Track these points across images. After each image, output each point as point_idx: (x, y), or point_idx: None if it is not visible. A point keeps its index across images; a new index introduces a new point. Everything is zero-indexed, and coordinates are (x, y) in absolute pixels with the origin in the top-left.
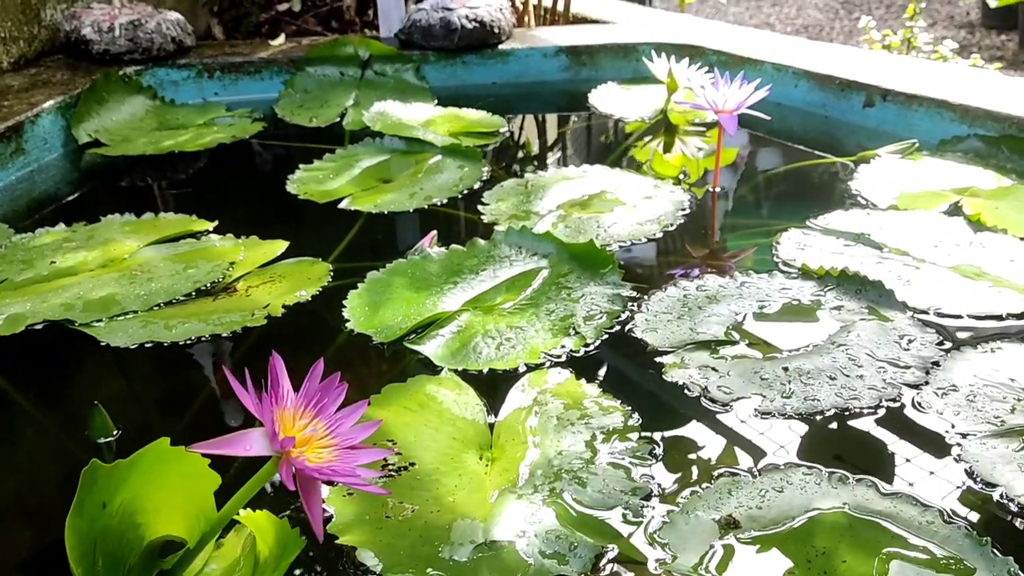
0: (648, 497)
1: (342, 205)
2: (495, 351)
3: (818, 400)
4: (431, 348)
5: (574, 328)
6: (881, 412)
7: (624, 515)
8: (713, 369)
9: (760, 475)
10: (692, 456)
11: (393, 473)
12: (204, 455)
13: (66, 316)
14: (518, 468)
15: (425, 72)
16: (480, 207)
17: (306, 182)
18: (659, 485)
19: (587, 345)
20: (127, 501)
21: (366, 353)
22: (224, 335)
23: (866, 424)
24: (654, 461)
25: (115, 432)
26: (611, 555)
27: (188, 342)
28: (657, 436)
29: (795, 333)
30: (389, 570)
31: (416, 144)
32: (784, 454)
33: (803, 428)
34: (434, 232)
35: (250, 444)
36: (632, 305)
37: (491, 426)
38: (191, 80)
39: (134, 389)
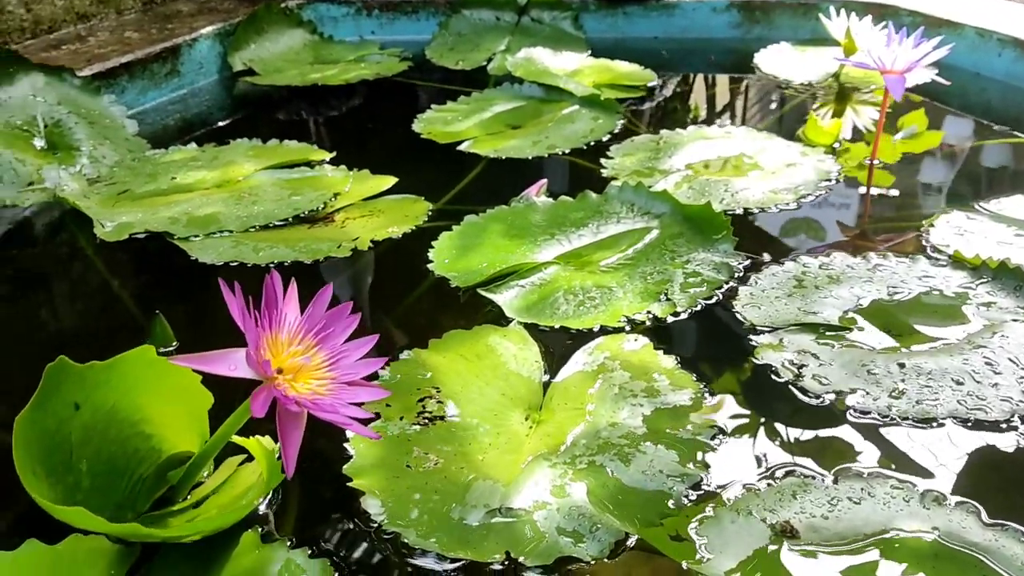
0: (697, 486)
1: (462, 147)
2: (573, 309)
3: (934, 405)
4: (506, 298)
5: (666, 294)
6: (1008, 430)
7: (663, 502)
8: (814, 355)
9: (838, 481)
10: (761, 448)
11: (427, 421)
12: (196, 372)
13: (167, 229)
14: (562, 434)
15: (583, 21)
16: (604, 160)
17: (433, 122)
18: (713, 475)
19: (676, 314)
20: (119, 406)
21: (447, 296)
22: (306, 262)
23: (986, 440)
24: (715, 448)
25: (174, 343)
26: (633, 543)
27: (270, 265)
28: (726, 421)
29: (925, 327)
30: (391, 522)
31: (555, 93)
32: (872, 461)
33: (905, 435)
34: (544, 181)
35: (235, 364)
36: (739, 276)
37: (546, 386)
38: (349, 17)
39: (205, 305)
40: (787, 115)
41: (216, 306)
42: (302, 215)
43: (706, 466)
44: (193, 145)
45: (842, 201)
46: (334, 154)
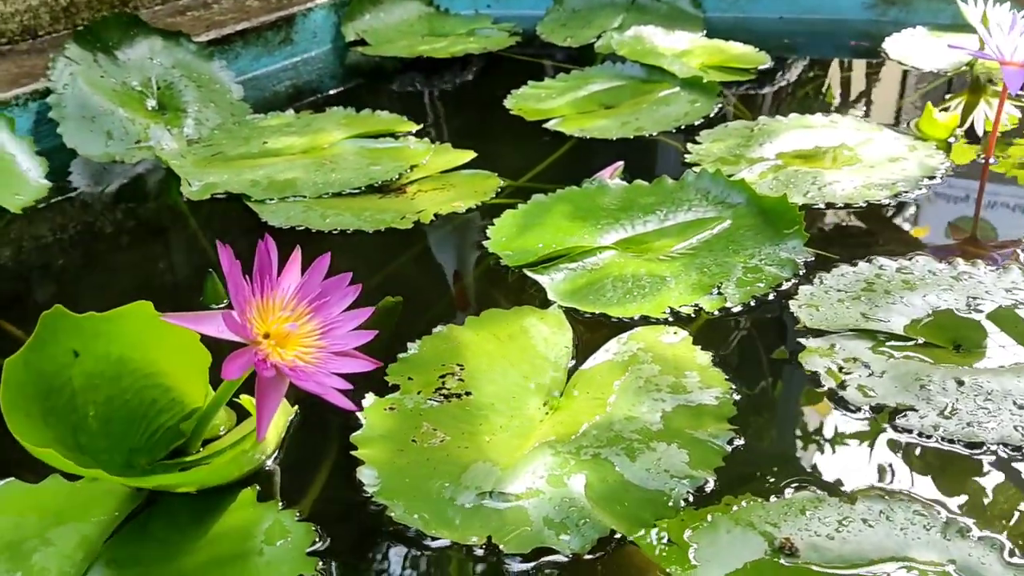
0: (700, 490)
1: (549, 125)
2: (619, 296)
3: (986, 428)
4: (552, 280)
5: (718, 288)
6: None
7: (662, 502)
8: (865, 364)
9: (855, 501)
10: (781, 458)
11: (444, 398)
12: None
13: (246, 191)
14: (576, 423)
15: (703, 0)
16: (690, 145)
17: (526, 99)
18: (721, 481)
19: (725, 309)
20: (129, 357)
21: (498, 275)
22: (367, 232)
23: None
24: (730, 453)
25: (224, 301)
26: (617, 542)
27: (333, 232)
28: (749, 426)
29: (998, 344)
30: (381, 493)
31: (656, 73)
32: (900, 483)
33: (946, 458)
34: (620, 163)
35: (222, 326)
36: (804, 275)
37: (572, 372)
38: None
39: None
40: (906, 106)
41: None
42: (375, 185)
43: (716, 471)
44: (291, 111)
45: (944, 202)
46: (420, 126)
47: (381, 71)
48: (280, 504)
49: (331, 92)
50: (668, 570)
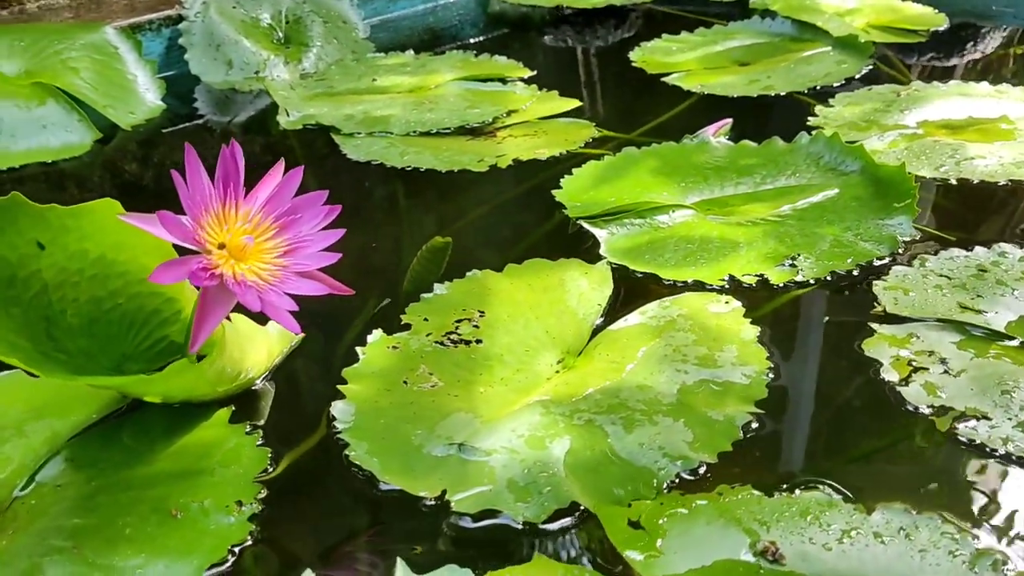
0: (693, 473)
1: (669, 79)
2: (677, 258)
3: None
4: (609, 234)
5: (792, 259)
6: None
7: (645, 481)
8: (942, 360)
9: (872, 511)
10: (801, 452)
11: (452, 343)
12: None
13: (337, 124)
14: (583, 385)
15: None
16: (819, 108)
17: (654, 51)
18: (720, 468)
19: (794, 283)
20: (115, 259)
21: (561, 224)
22: (440, 171)
23: None
24: (743, 438)
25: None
26: (577, 518)
27: (407, 169)
28: (776, 411)
29: None
30: (349, 431)
31: (808, 31)
32: (935, 499)
33: (1004, 478)
34: (728, 121)
35: (175, 230)
36: (903, 253)
37: (597, 332)
38: None
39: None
40: None
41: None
42: (467, 127)
43: (720, 456)
44: (411, 52)
45: None
46: (533, 72)
47: (527, 21)
48: (247, 428)
49: (470, 40)
50: (626, 554)
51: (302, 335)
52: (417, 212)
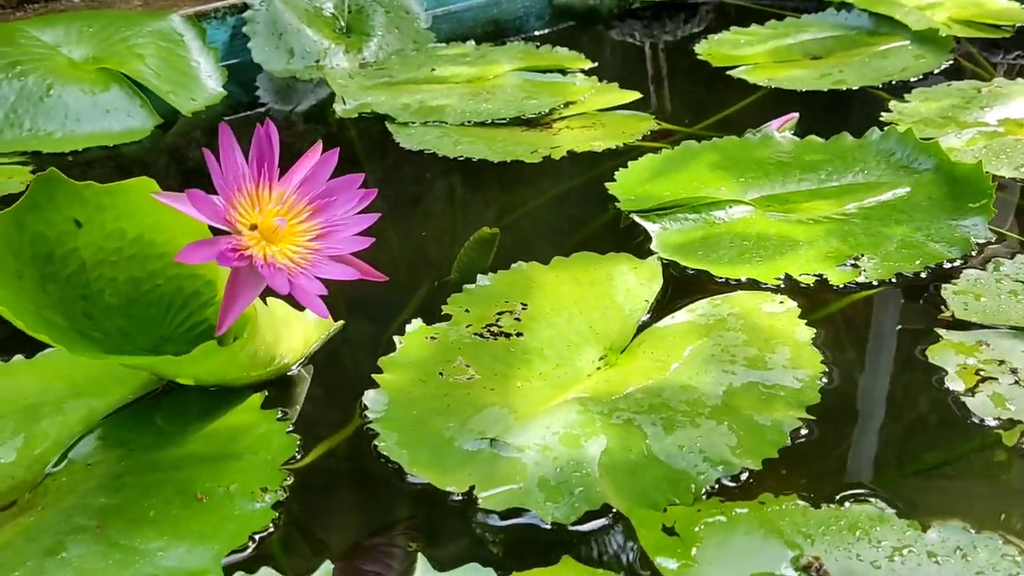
0: (735, 480)
1: (735, 72)
2: (731, 255)
3: None
4: (662, 229)
5: (855, 259)
6: None
7: (684, 485)
8: (1012, 370)
9: (927, 528)
10: (855, 463)
11: (492, 335)
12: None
13: (393, 113)
14: (624, 384)
15: None
16: (893, 103)
17: (721, 44)
18: (765, 474)
19: (855, 284)
20: (152, 239)
21: (613, 218)
22: (492, 161)
23: None
24: (791, 444)
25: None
26: (609, 521)
27: (460, 159)
28: (830, 419)
29: None
30: (380, 421)
31: (886, 24)
32: (999, 518)
33: None
34: (794, 115)
35: (205, 209)
36: (975, 256)
37: (643, 328)
38: None
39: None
40: None
41: (386, 187)
42: (522, 117)
43: (765, 462)
44: (471, 43)
45: None
46: (595, 64)
47: (594, 15)
48: (279, 414)
49: (535, 32)
50: (657, 561)
51: (341, 322)
52: (467, 202)
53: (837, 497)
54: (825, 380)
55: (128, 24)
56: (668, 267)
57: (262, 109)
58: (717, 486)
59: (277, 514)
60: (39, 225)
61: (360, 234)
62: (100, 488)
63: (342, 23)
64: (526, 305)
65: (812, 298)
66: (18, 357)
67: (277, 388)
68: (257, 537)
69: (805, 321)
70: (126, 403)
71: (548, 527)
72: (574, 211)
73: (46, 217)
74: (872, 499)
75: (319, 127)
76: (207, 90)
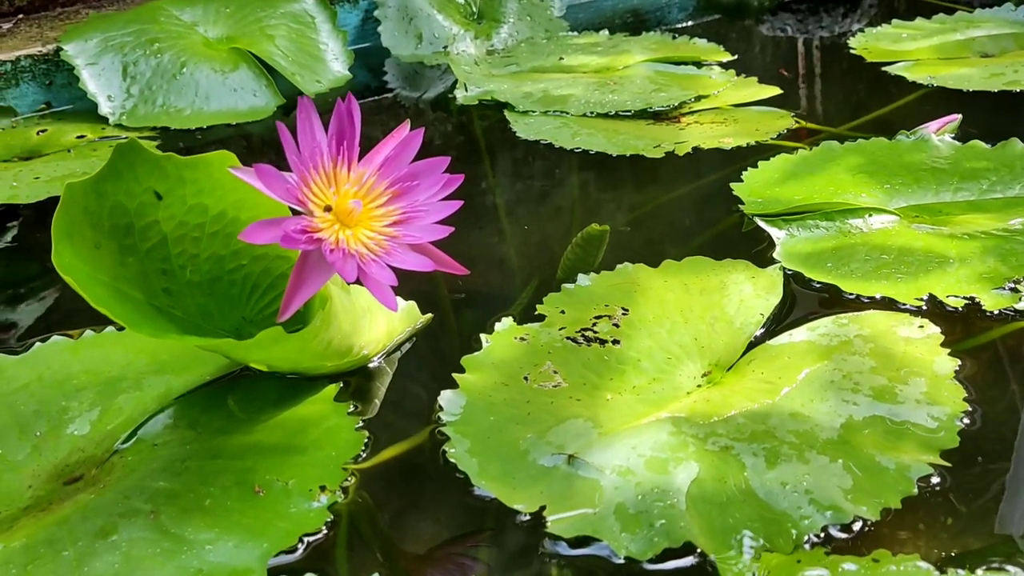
0: (847, 530)
1: (892, 68)
2: (865, 269)
3: None
4: (788, 235)
5: (1015, 282)
6: None
7: (783, 529)
8: None
9: None
10: (988, 520)
11: (586, 340)
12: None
13: (514, 101)
14: (727, 405)
15: None
16: None
17: (879, 37)
18: (883, 526)
19: (1014, 311)
20: (236, 217)
21: (735, 222)
22: (611, 155)
23: None
24: (915, 493)
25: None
26: (691, 563)
27: (576, 151)
28: (969, 467)
29: None
30: (453, 425)
31: None
32: None
33: None
34: (956, 117)
35: (275, 187)
36: None
37: (754, 345)
38: None
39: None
40: None
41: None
42: (649, 110)
43: (884, 512)
44: (605, 32)
45: None
46: (734, 57)
47: (743, 8)
48: (351, 407)
49: (677, 25)
50: None
51: (429, 315)
52: (578, 197)
53: (968, 564)
54: (967, 421)
55: (263, 5)
56: (791, 278)
57: (389, 95)
58: (823, 535)
59: (331, 517)
60: (119, 195)
61: (440, 222)
62: (162, 471)
63: (474, 9)
64: (627, 310)
65: (959, 324)
66: (110, 329)
67: (356, 380)
68: (307, 540)
69: (948, 350)
70: (203, 383)
71: (620, 561)
72: (693, 212)
73: (126, 187)
74: (1011, 568)
75: (446, 115)
76: (332, 72)
